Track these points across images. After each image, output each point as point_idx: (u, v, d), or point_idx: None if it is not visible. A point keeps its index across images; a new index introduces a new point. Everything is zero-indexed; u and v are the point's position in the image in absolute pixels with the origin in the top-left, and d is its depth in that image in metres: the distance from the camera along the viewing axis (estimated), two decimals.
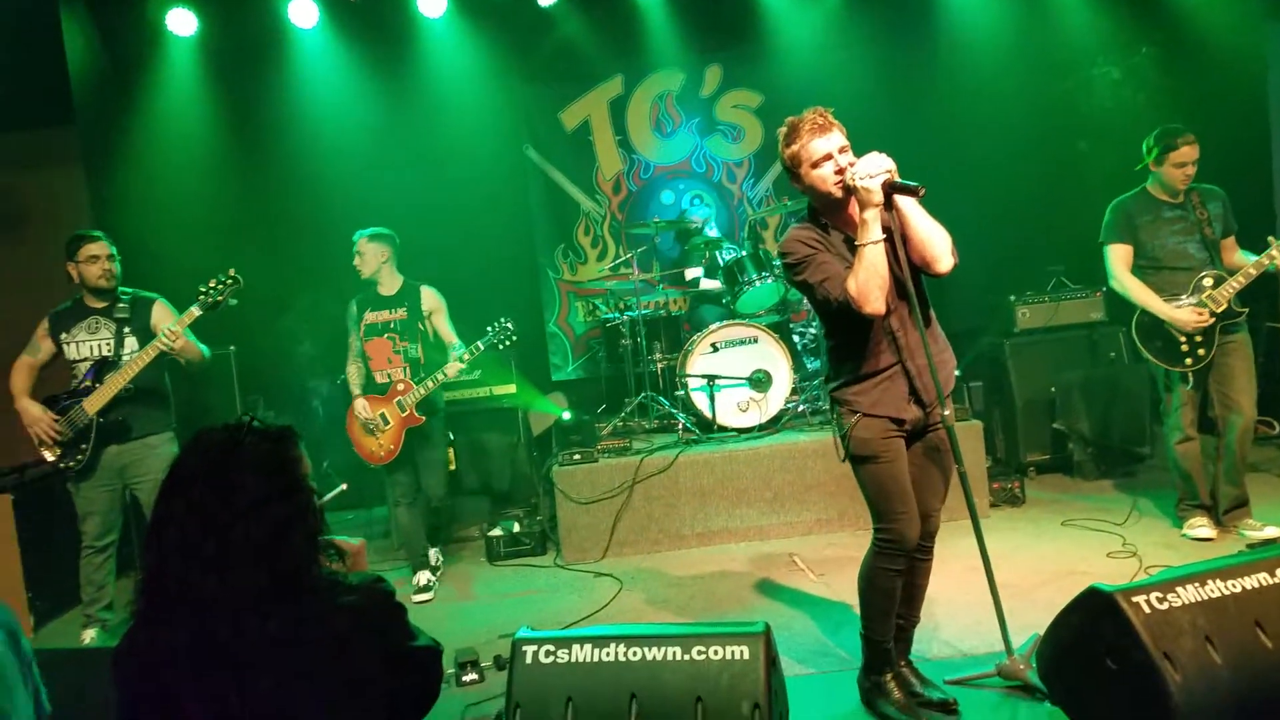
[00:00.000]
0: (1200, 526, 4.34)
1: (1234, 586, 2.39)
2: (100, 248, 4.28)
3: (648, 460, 5.17)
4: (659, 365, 6.00)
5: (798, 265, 2.84)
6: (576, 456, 5.27)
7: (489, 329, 4.82)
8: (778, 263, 5.44)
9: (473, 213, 6.82)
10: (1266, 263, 4.10)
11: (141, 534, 4.29)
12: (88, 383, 4.21)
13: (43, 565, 4.90)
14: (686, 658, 2.35)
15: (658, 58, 7.04)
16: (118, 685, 1.64)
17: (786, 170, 2.93)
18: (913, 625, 3.13)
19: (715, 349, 5.57)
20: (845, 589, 4.07)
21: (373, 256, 4.93)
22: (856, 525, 5.05)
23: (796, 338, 6.12)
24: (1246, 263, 4.18)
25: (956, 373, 3.11)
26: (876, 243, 2.69)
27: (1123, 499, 5.13)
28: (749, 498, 5.14)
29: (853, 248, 2.76)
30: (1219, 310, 4.18)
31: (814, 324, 6.17)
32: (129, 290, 4.41)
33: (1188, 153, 4.21)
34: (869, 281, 2.69)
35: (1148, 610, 2.31)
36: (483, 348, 4.80)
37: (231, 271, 4.23)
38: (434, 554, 5.16)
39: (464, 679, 3.56)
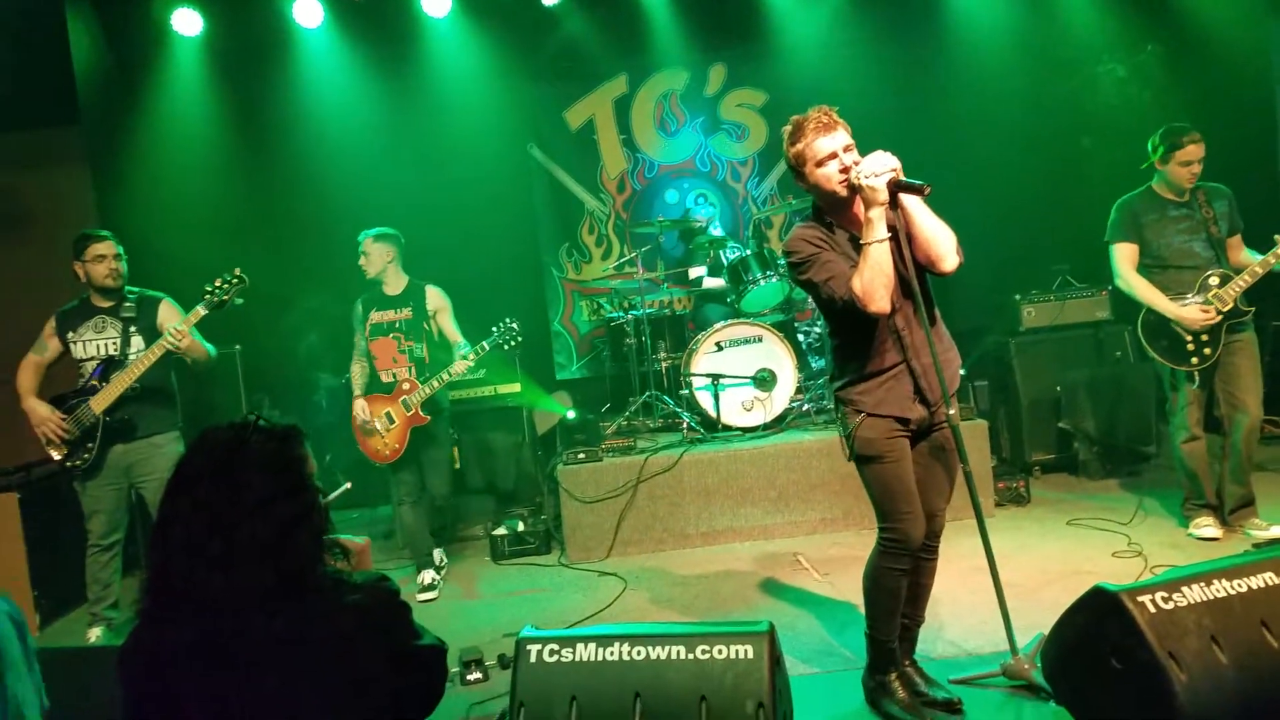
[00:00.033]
0: (1206, 526, 4.33)
1: (1240, 586, 2.38)
2: (107, 247, 4.29)
3: (652, 459, 5.17)
4: (663, 364, 6.00)
5: (802, 264, 2.84)
6: (581, 455, 5.27)
7: (494, 329, 4.82)
8: (782, 262, 5.44)
9: (477, 212, 6.83)
10: (1273, 261, 4.09)
11: (147, 533, 4.32)
12: (94, 382, 4.22)
13: (48, 564, 4.92)
14: (691, 657, 2.35)
15: (662, 57, 7.05)
16: (123, 684, 1.64)
17: (791, 169, 2.92)
18: (917, 625, 3.13)
19: (720, 348, 5.56)
20: (850, 588, 4.06)
21: (378, 256, 4.94)
22: (861, 525, 5.04)
23: (801, 337, 6.12)
24: (1252, 261, 4.16)
25: (961, 372, 3.11)
26: (881, 241, 2.69)
27: (1128, 498, 5.12)
28: (753, 497, 5.14)
29: (857, 246, 2.76)
30: (1225, 309, 4.17)
31: (819, 323, 6.18)
32: (135, 290, 4.42)
33: (1193, 151, 4.20)
34: (874, 280, 2.68)
35: (1153, 610, 2.30)
36: (488, 348, 4.81)
37: (237, 271, 4.23)
38: (438, 553, 5.17)
39: (468, 678, 3.56)
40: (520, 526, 5.43)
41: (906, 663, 3.09)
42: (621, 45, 6.97)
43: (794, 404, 5.61)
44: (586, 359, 7.25)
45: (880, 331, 2.85)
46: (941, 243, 2.78)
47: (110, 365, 4.24)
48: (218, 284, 4.20)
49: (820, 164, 2.80)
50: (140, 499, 4.43)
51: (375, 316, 4.97)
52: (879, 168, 2.68)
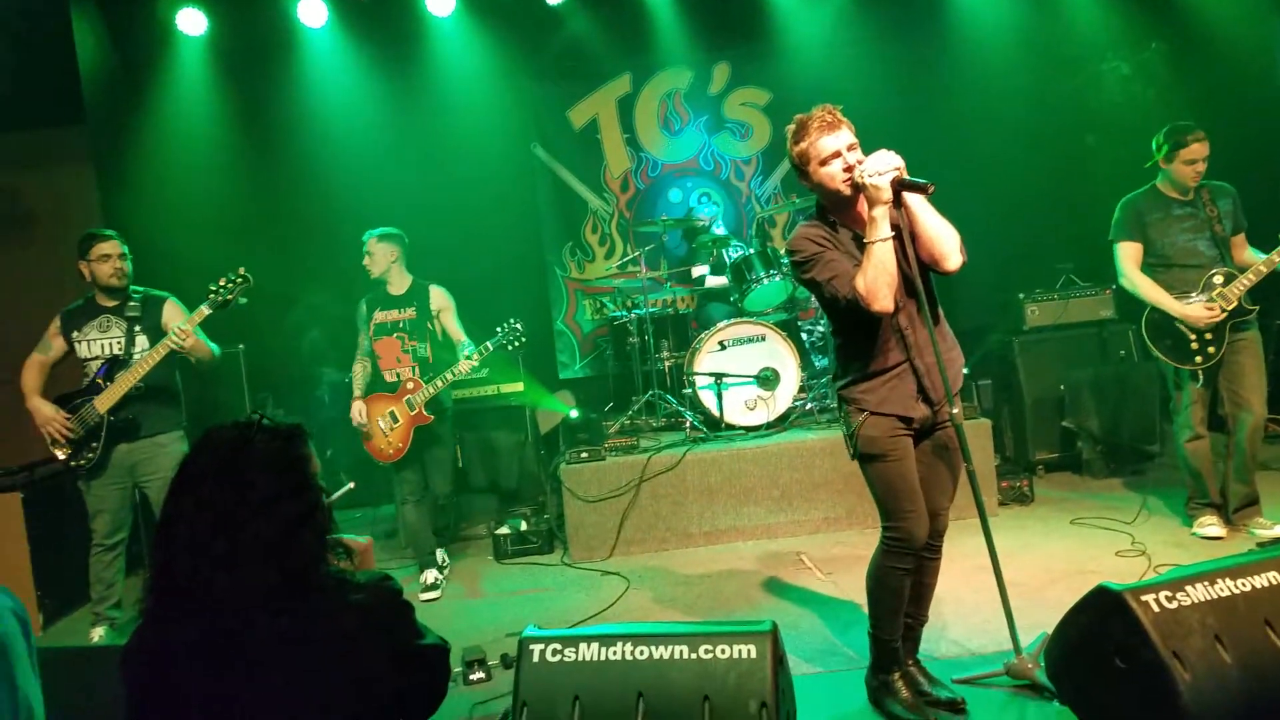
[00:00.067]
0: (1210, 525, 4.32)
1: (1244, 585, 2.37)
2: (112, 246, 4.30)
3: (655, 458, 5.17)
4: (666, 363, 6.00)
5: (806, 263, 2.84)
6: (584, 455, 5.27)
7: (499, 329, 4.83)
8: (786, 260, 5.43)
9: (481, 211, 6.84)
10: (1277, 259, 4.08)
11: (151, 532, 4.32)
12: (99, 381, 4.23)
13: (52, 563, 4.94)
14: (694, 656, 2.35)
15: (666, 56, 7.05)
16: (126, 683, 1.65)
17: (795, 168, 2.92)
18: (921, 624, 3.12)
19: (723, 347, 5.56)
20: (853, 588, 4.06)
21: (382, 256, 4.95)
22: (864, 524, 5.04)
23: (805, 335, 6.11)
24: (1257, 260, 4.15)
25: (965, 371, 3.11)
26: (885, 240, 2.68)
27: (1132, 497, 5.11)
28: (756, 496, 5.14)
29: (861, 245, 2.75)
30: (1230, 307, 4.16)
31: (822, 322, 6.17)
32: (140, 289, 4.43)
33: (1198, 149, 4.19)
34: (877, 279, 2.68)
35: (1157, 609, 2.29)
36: (492, 348, 4.81)
37: (241, 270, 4.24)
38: (441, 552, 5.17)
39: (471, 677, 3.57)
40: (523, 526, 5.43)
41: (910, 662, 3.09)
42: (625, 44, 6.97)
43: (797, 403, 5.61)
44: (589, 358, 7.25)
45: (883, 330, 2.84)
46: (945, 241, 2.78)
47: (115, 365, 4.25)
48: (222, 283, 4.21)
49: (824, 162, 2.80)
50: (144, 498, 4.44)
51: (379, 316, 4.98)
52: (882, 166, 2.68)
